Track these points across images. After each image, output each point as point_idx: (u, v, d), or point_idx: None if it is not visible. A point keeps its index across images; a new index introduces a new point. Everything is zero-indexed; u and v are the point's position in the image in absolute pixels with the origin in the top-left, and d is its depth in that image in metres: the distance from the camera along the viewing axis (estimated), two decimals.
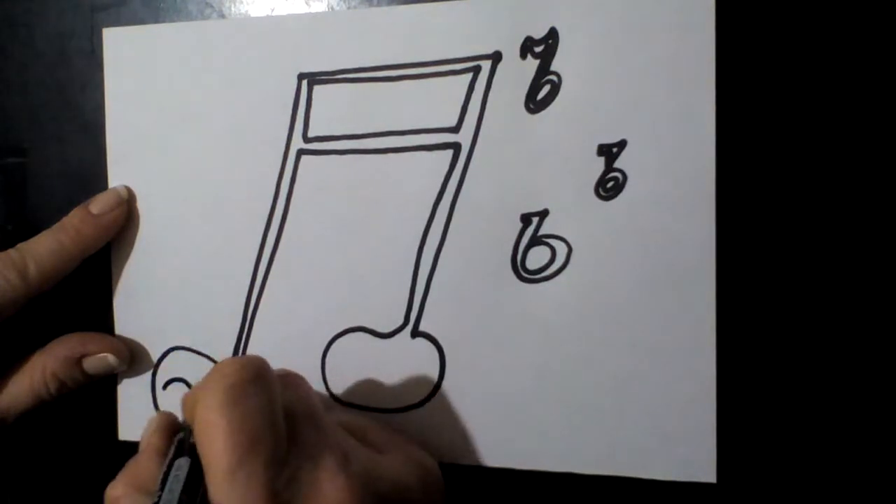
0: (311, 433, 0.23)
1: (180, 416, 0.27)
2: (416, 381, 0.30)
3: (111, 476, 0.26)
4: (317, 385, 0.31)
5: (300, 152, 0.31)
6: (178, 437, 0.24)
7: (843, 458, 0.27)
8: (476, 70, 0.29)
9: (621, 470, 0.28)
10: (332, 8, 0.31)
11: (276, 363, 0.32)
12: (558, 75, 0.28)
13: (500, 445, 0.30)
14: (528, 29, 0.29)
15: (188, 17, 0.32)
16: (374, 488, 0.23)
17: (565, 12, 0.28)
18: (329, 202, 0.31)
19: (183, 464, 0.22)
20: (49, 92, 0.34)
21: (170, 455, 0.23)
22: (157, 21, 0.33)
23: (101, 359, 0.32)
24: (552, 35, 0.28)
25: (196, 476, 0.22)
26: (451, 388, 0.30)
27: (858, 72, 0.26)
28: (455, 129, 0.29)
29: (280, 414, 0.22)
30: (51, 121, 0.34)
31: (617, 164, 0.28)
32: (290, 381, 0.25)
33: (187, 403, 0.23)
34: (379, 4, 0.30)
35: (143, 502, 0.22)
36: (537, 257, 0.29)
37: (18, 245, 0.31)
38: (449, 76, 0.29)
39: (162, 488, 0.21)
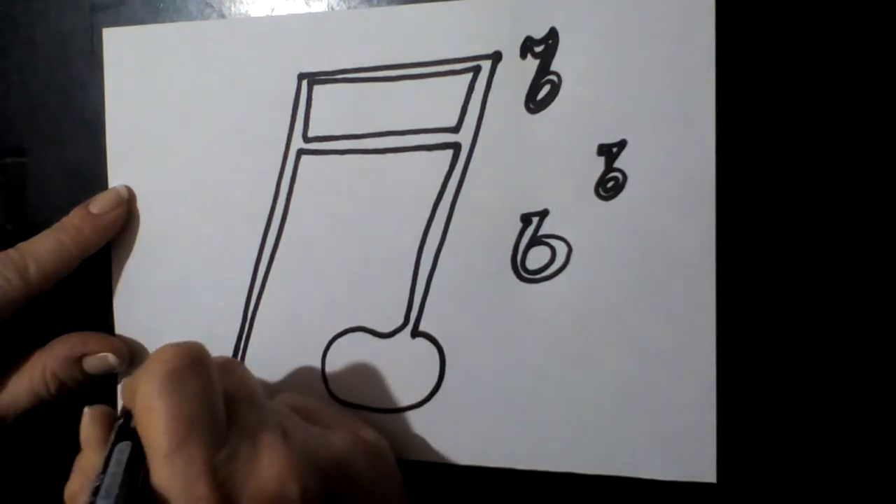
0: (251, 414, 0.24)
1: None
2: (416, 381, 0.30)
3: None
4: (317, 385, 0.31)
5: (300, 152, 0.31)
6: (117, 423, 0.24)
7: (843, 458, 0.27)
8: (476, 70, 0.29)
9: (621, 470, 0.28)
10: (332, 8, 0.31)
11: (276, 363, 0.32)
12: (558, 75, 0.28)
13: (500, 445, 0.30)
14: (528, 29, 0.29)
15: (188, 17, 0.32)
16: (314, 460, 0.23)
17: (565, 12, 0.28)
18: (329, 202, 0.31)
19: (124, 448, 0.22)
20: (49, 92, 0.34)
21: (110, 440, 0.23)
22: (157, 21, 0.33)
23: (101, 358, 0.32)
24: (552, 35, 0.28)
25: (137, 458, 0.22)
26: (451, 388, 0.30)
27: (858, 72, 0.26)
28: (455, 129, 0.29)
29: (219, 397, 0.23)
30: (51, 121, 0.34)
31: (617, 164, 0.28)
32: (229, 366, 0.26)
33: (128, 389, 0.24)
34: (379, 4, 0.30)
35: None
36: (537, 257, 0.29)
37: (18, 245, 0.31)
38: (449, 76, 0.29)
39: (104, 472, 0.22)
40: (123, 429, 0.23)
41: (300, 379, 0.31)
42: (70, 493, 0.24)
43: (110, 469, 0.22)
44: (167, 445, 0.21)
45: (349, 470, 0.25)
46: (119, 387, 0.26)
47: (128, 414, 0.24)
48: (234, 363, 0.26)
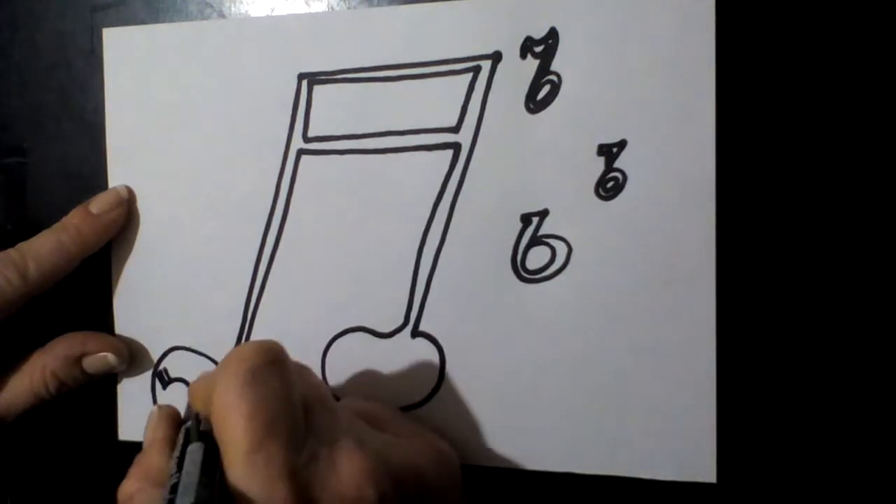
0: (326, 418, 0.23)
1: (181, 410, 0.27)
2: (416, 381, 0.30)
3: (111, 476, 0.25)
4: None
5: (300, 152, 0.31)
6: (185, 427, 0.23)
7: (843, 458, 0.27)
8: (476, 70, 0.29)
9: (621, 470, 0.28)
10: (332, 8, 0.31)
11: None
12: (558, 75, 0.28)
13: (500, 445, 0.30)
14: (528, 29, 0.29)
15: (188, 17, 0.32)
16: (389, 468, 0.23)
17: (565, 12, 0.28)
18: (329, 202, 0.31)
19: (197, 447, 0.22)
20: (49, 92, 0.34)
21: (179, 443, 0.23)
22: (157, 21, 0.33)
23: (101, 358, 0.32)
24: (552, 35, 0.28)
25: (211, 460, 0.21)
26: (451, 388, 0.30)
27: (858, 72, 0.26)
28: (455, 129, 0.29)
29: (297, 398, 0.22)
30: (51, 121, 0.34)
31: (617, 164, 0.28)
32: (301, 369, 0.25)
33: (199, 390, 0.23)
34: (379, 4, 0.30)
35: (158, 496, 0.22)
36: (537, 257, 0.29)
37: (18, 245, 0.31)
38: (449, 76, 0.29)
39: (178, 471, 0.21)
40: (193, 431, 0.23)
41: None
42: (125, 494, 0.24)
43: (186, 468, 0.21)
44: (247, 444, 0.20)
45: (422, 478, 0.24)
46: (185, 392, 0.25)
47: (197, 417, 0.23)
48: (305, 367, 0.26)
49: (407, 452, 0.25)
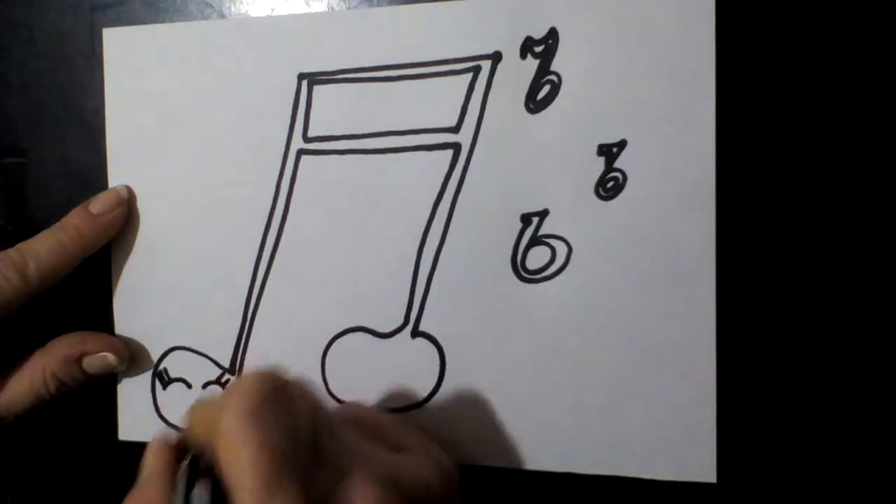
0: (333, 444, 0.22)
1: (179, 422, 0.26)
2: (416, 381, 0.30)
3: (111, 476, 0.25)
4: (317, 385, 0.31)
5: (300, 152, 0.31)
6: (186, 461, 0.23)
7: (843, 458, 0.27)
8: (476, 70, 0.29)
9: (621, 470, 0.28)
10: (332, 8, 0.31)
11: (276, 363, 0.32)
12: (558, 75, 0.28)
13: (499, 445, 0.30)
14: (528, 29, 0.29)
15: (188, 17, 0.32)
16: (401, 491, 0.22)
17: (565, 12, 0.28)
18: (329, 202, 0.31)
19: (204, 487, 0.21)
20: (49, 92, 0.34)
21: (183, 480, 0.22)
22: (157, 21, 0.33)
23: (101, 358, 0.32)
24: (552, 35, 0.28)
25: (218, 499, 0.21)
26: (451, 388, 0.30)
27: (858, 72, 0.26)
28: (455, 129, 0.29)
29: (304, 427, 0.22)
30: (51, 121, 0.34)
31: (617, 164, 0.28)
32: (302, 392, 0.24)
33: (199, 422, 0.23)
34: (379, 4, 0.30)
35: None
36: (537, 257, 0.29)
37: (18, 245, 0.31)
38: (449, 76, 0.29)
39: None
40: (194, 466, 0.22)
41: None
42: None
43: None
44: (258, 487, 0.20)
45: (430, 491, 0.24)
46: (184, 417, 0.25)
47: (198, 450, 0.23)
48: (304, 385, 0.25)
49: (414, 470, 0.24)
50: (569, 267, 0.29)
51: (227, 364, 0.32)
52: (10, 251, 0.31)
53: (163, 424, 0.33)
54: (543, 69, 0.29)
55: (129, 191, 0.33)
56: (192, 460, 0.23)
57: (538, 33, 0.28)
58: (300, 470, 0.20)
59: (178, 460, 0.23)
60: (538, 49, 0.29)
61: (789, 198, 0.27)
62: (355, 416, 0.27)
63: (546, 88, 0.29)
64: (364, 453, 0.23)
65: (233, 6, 0.32)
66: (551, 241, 0.29)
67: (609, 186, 0.28)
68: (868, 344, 0.27)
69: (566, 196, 0.29)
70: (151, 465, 0.24)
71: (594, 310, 0.28)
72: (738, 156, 0.27)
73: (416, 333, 0.30)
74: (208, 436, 0.22)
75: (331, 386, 0.31)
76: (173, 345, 0.33)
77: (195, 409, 0.24)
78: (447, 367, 0.30)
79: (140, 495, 0.24)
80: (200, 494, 0.21)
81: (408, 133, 0.30)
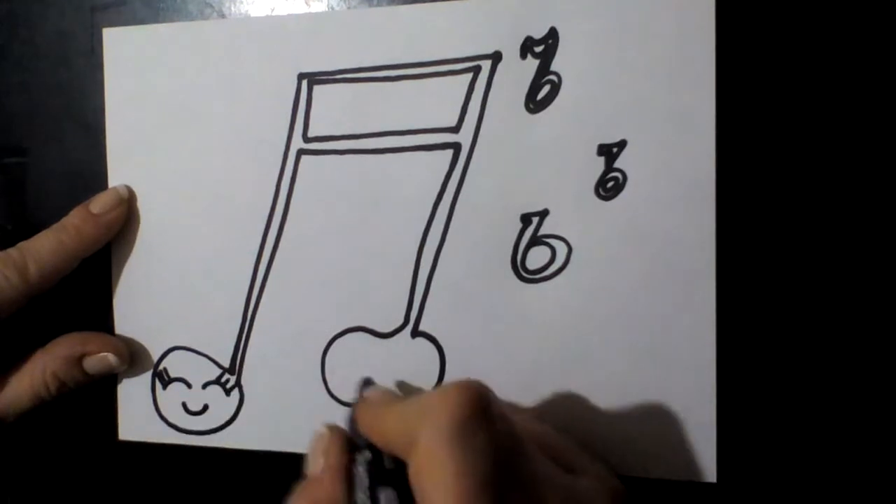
0: (524, 468, 0.22)
1: (343, 425, 0.26)
2: (416, 381, 0.30)
3: (111, 476, 0.25)
4: (316, 385, 0.31)
5: (300, 152, 0.31)
6: (367, 461, 0.22)
7: (843, 458, 0.27)
8: (476, 70, 0.29)
9: (621, 470, 0.28)
10: (332, 8, 0.31)
11: (276, 363, 0.32)
12: (558, 75, 0.28)
13: None
14: (528, 29, 0.29)
15: (188, 17, 0.32)
16: None
17: (565, 12, 0.28)
18: (329, 202, 0.31)
19: (392, 496, 0.21)
20: (49, 92, 0.34)
21: (364, 482, 0.22)
22: (157, 21, 0.33)
23: (102, 358, 0.32)
24: (552, 35, 0.28)
25: None
26: None
27: (858, 72, 0.26)
28: (455, 129, 0.29)
29: (503, 451, 0.21)
30: (51, 121, 0.34)
31: (617, 164, 0.28)
32: (501, 412, 0.23)
33: (395, 428, 0.22)
34: (379, 4, 0.30)
35: None
36: (537, 257, 0.29)
37: (19, 244, 0.31)
38: (449, 76, 0.29)
39: None
40: (375, 468, 0.22)
41: (300, 379, 0.31)
42: None
43: None
44: None
45: None
46: (327, 425, 0.25)
47: (373, 448, 0.22)
48: (501, 405, 0.23)
49: (588, 495, 0.23)
50: (569, 267, 0.29)
51: (227, 364, 0.32)
52: (11, 251, 0.31)
53: (163, 424, 0.33)
54: (543, 69, 0.29)
55: (129, 191, 0.33)
56: (374, 461, 0.22)
57: (538, 33, 0.28)
58: (495, 495, 0.20)
59: (350, 452, 0.23)
60: (538, 49, 0.29)
61: (789, 197, 0.27)
62: (532, 433, 0.26)
63: (546, 88, 0.29)
64: (550, 478, 0.23)
65: (233, 6, 0.32)
66: (551, 241, 0.29)
67: (609, 186, 0.28)
68: (868, 344, 0.27)
69: (566, 196, 0.29)
70: (325, 458, 0.24)
71: (594, 310, 0.28)
72: (738, 156, 0.27)
73: (416, 333, 0.30)
74: (400, 445, 0.21)
75: (331, 386, 0.31)
76: (173, 345, 0.33)
77: (370, 407, 0.24)
78: (447, 367, 0.30)
79: (318, 486, 0.24)
80: (389, 499, 0.21)
81: (408, 133, 0.30)
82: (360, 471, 0.22)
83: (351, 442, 0.25)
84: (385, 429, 0.23)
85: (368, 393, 0.26)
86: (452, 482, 0.19)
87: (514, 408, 0.29)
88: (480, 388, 0.22)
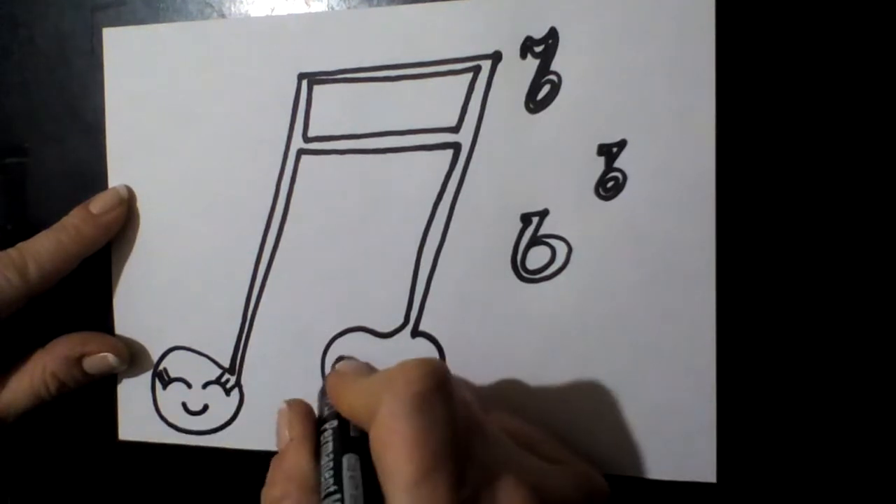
0: (482, 448, 0.22)
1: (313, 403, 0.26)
2: None
3: (111, 476, 0.25)
4: (317, 385, 0.31)
5: (300, 152, 0.31)
6: (331, 428, 0.23)
7: (843, 458, 0.27)
8: (476, 70, 0.29)
9: (621, 470, 0.28)
10: (332, 8, 0.31)
11: (276, 363, 0.32)
12: (558, 75, 0.28)
13: None
14: (528, 29, 0.29)
15: (188, 17, 0.32)
16: (545, 501, 0.22)
17: (565, 12, 0.28)
18: (329, 202, 0.31)
19: (354, 462, 0.21)
20: (49, 92, 0.34)
21: (329, 449, 0.22)
22: (157, 21, 0.33)
23: (101, 358, 0.32)
24: (552, 35, 0.28)
25: (370, 477, 0.21)
26: None
27: (858, 72, 0.26)
28: (455, 129, 0.29)
29: (461, 426, 0.21)
30: (51, 121, 0.34)
31: (617, 164, 0.28)
32: (460, 389, 0.24)
33: (358, 398, 0.23)
34: (379, 4, 0.30)
35: (312, 501, 0.22)
36: (537, 257, 0.29)
37: (18, 244, 0.31)
38: (449, 76, 0.29)
39: (339, 490, 0.21)
40: (339, 435, 0.22)
41: (300, 379, 0.31)
42: (271, 499, 0.23)
43: (347, 488, 0.21)
44: (412, 475, 0.20)
45: None
46: (319, 388, 0.25)
47: (339, 418, 0.23)
48: (462, 385, 0.24)
49: (561, 484, 0.23)
50: (569, 267, 0.29)
51: (226, 364, 0.32)
52: (11, 251, 0.31)
53: (163, 424, 0.33)
54: (543, 69, 0.29)
55: (129, 191, 0.33)
56: (336, 428, 0.23)
57: (538, 33, 0.28)
58: (452, 466, 0.20)
59: (315, 424, 0.24)
60: (538, 49, 0.29)
61: (789, 197, 0.27)
62: (508, 425, 0.27)
63: (546, 88, 0.29)
64: (514, 459, 0.23)
65: (233, 6, 0.32)
66: (551, 240, 0.29)
67: (609, 186, 0.28)
68: (868, 344, 0.27)
69: (566, 196, 0.29)
70: (288, 430, 0.24)
71: (594, 310, 0.28)
72: (738, 156, 0.27)
73: (416, 333, 0.30)
74: (364, 415, 0.22)
75: None
76: (173, 345, 0.33)
77: (337, 378, 0.24)
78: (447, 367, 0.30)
79: (284, 462, 0.24)
80: (352, 466, 0.21)
81: (408, 133, 0.30)
82: (327, 437, 0.23)
83: (320, 416, 0.25)
84: (350, 399, 0.23)
85: (340, 365, 0.26)
86: (410, 451, 0.20)
87: (501, 411, 0.29)
88: (440, 364, 0.22)
